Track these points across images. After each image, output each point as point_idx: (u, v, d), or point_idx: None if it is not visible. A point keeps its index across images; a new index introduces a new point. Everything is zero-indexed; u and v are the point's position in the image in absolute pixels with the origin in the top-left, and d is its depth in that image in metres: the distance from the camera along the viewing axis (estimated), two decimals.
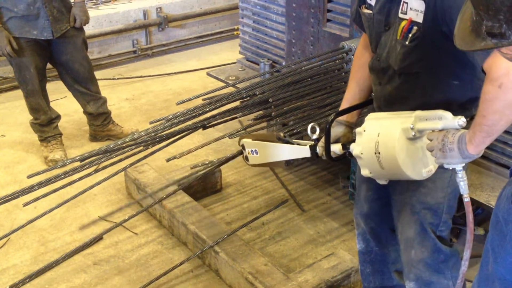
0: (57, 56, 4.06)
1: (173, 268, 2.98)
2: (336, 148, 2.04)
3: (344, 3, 3.42)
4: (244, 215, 3.50)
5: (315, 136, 2.07)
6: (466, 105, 1.96)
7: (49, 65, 4.15)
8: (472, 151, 1.66)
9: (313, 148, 2.09)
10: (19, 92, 4.35)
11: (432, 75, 1.93)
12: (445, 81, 1.93)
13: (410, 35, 1.88)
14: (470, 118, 1.85)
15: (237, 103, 3.06)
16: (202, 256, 3.09)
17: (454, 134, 1.69)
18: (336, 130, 2.15)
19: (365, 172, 1.92)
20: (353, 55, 3.25)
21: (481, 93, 1.60)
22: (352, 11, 2.23)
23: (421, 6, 1.83)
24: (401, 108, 1.98)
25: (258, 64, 4.17)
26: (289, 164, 2.25)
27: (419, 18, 1.85)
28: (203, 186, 3.66)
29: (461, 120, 1.70)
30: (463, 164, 1.72)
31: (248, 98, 3.06)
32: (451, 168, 1.73)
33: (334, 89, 3.25)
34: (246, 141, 2.35)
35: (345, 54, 3.29)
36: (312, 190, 3.75)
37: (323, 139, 2.07)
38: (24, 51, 3.88)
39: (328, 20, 3.57)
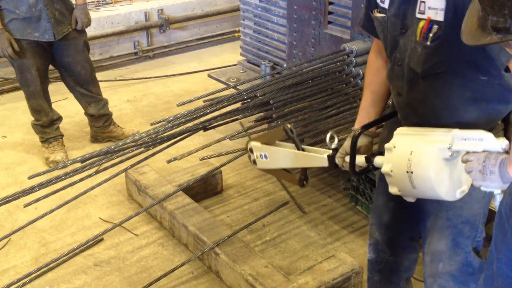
0: (59, 58, 4.07)
1: (174, 269, 2.98)
2: (359, 161, 1.95)
3: (345, 5, 3.42)
4: (244, 217, 3.50)
5: (333, 146, 1.97)
6: (495, 105, 1.88)
7: (51, 67, 4.15)
8: None
9: (331, 158, 1.99)
10: (20, 93, 4.37)
11: (458, 73, 1.84)
12: (472, 78, 1.84)
13: (430, 34, 1.79)
14: (503, 121, 1.80)
15: (238, 104, 3.07)
16: (202, 257, 3.09)
17: (497, 157, 1.59)
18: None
19: (393, 190, 1.82)
20: (354, 57, 3.26)
21: None
22: (361, 17, 2.14)
23: (441, 4, 1.75)
24: (429, 114, 1.91)
25: (259, 66, 4.18)
26: (304, 185, 2.15)
27: (439, 16, 1.76)
28: (204, 187, 3.66)
29: (504, 143, 1.61)
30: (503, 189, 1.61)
31: (249, 100, 3.07)
32: (488, 192, 1.63)
33: (335, 91, 3.25)
34: (255, 144, 2.20)
35: (346, 56, 3.29)
36: (313, 192, 3.75)
37: (341, 150, 2.00)
38: (25, 53, 3.88)
39: (329, 22, 3.57)
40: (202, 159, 3.17)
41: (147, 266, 3.12)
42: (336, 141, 1.98)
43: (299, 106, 3.12)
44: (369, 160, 1.93)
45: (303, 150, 2.07)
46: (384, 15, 1.94)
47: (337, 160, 2.01)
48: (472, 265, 2.06)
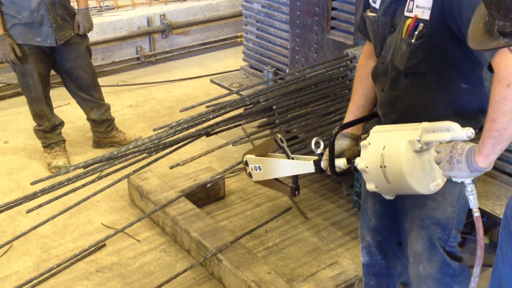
0: (61, 63, 4.07)
1: (176, 275, 2.97)
2: (341, 163, 1.99)
3: (348, 11, 3.42)
4: (247, 223, 3.49)
5: (319, 151, 2.01)
6: (476, 115, 1.91)
7: (52, 72, 4.15)
8: (481, 163, 1.59)
9: (317, 163, 2.03)
10: (22, 98, 4.36)
11: (439, 75, 1.88)
12: (453, 83, 1.88)
13: (416, 32, 1.84)
14: (479, 130, 1.82)
15: (240, 110, 3.06)
16: (205, 263, 3.08)
17: (463, 146, 1.63)
18: (341, 143, 2.10)
19: (370, 186, 1.87)
20: (357, 62, 3.25)
21: (490, 95, 1.55)
22: (357, 19, 2.20)
23: (428, 3, 1.80)
24: (407, 113, 1.95)
25: (261, 71, 4.17)
26: (295, 194, 2.17)
27: (426, 15, 1.81)
28: (206, 193, 3.65)
29: (470, 131, 1.65)
30: (472, 178, 1.66)
31: (251, 106, 3.06)
32: (459, 182, 1.67)
33: (338, 97, 3.24)
34: (249, 157, 2.27)
35: (349, 62, 3.28)
36: (316, 198, 3.74)
37: (327, 153, 2.02)
38: (27, 58, 3.88)
39: (332, 28, 3.57)
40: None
41: (149, 272, 3.11)
42: (321, 146, 2.01)
43: (302, 111, 3.11)
44: (350, 161, 1.97)
45: (292, 158, 2.11)
46: (375, 14, 1.99)
47: (323, 164, 2.03)
48: (451, 266, 2.08)
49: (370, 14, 2.02)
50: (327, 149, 2.02)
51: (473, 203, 1.69)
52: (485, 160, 1.59)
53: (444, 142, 1.69)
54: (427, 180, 1.80)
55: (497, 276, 1.77)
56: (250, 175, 2.30)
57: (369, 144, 1.84)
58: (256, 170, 2.25)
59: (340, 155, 2.07)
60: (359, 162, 1.87)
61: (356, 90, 2.18)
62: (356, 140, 2.14)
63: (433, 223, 2.04)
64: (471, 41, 1.41)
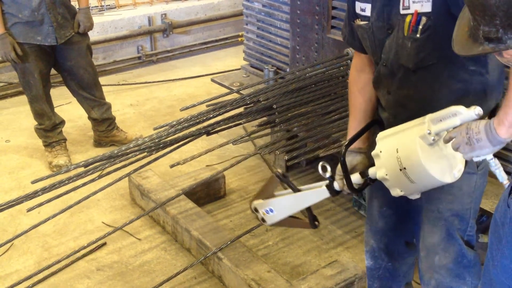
0: (62, 62, 4.08)
1: (176, 274, 2.97)
2: (356, 178, 1.97)
3: None
4: (247, 221, 3.50)
5: (328, 175, 1.99)
6: (485, 94, 1.89)
7: (53, 71, 4.16)
8: (504, 134, 1.55)
9: (330, 187, 2.02)
10: (23, 98, 4.38)
11: (448, 63, 1.85)
12: (461, 68, 1.85)
13: (420, 27, 1.80)
14: (489, 115, 1.80)
15: (241, 109, 3.07)
16: (205, 262, 3.09)
17: (477, 125, 1.61)
18: (352, 160, 2.07)
19: (396, 192, 1.84)
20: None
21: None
22: (344, 34, 2.16)
23: None
24: (419, 108, 1.91)
25: (262, 71, 4.17)
26: (317, 226, 2.15)
27: (426, 8, 1.78)
28: (207, 192, 3.66)
29: (477, 109, 1.63)
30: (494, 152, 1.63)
31: (252, 105, 3.07)
32: (481, 160, 1.65)
33: (338, 96, 3.24)
34: (257, 203, 2.21)
35: (349, 61, 3.29)
36: None
37: (338, 172, 2.00)
38: (28, 57, 3.89)
39: (333, 27, 3.57)
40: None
41: (150, 271, 3.12)
42: (329, 169, 1.99)
43: (302, 110, 3.12)
44: (364, 174, 1.95)
45: (299, 190, 2.09)
46: (367, 22, 1.96)
47: (337, 184, 2.01)
48: (467, 257, 2.08)
49: (361, 23, 1.98)
50: (337, 169, 2.01)
51: (502, 175, 1.65)
52: (509, 130, 1.56)
53: (455, 127, 1.67)
54: (449, 168, 1.79)
55: (488, 278, 1.78)
56: (263, 220, 2.24)
57: (381, 152, 1.82)
58: (269, 214, 2.20)
59: (352, 172, 2.03)
60: (377, 172, 1.85)
61: (354, 105, 2.14)
62: (365, 153, 2.11)
63: (451, 215, 2.03)
64: (456, 46, 1.40)
